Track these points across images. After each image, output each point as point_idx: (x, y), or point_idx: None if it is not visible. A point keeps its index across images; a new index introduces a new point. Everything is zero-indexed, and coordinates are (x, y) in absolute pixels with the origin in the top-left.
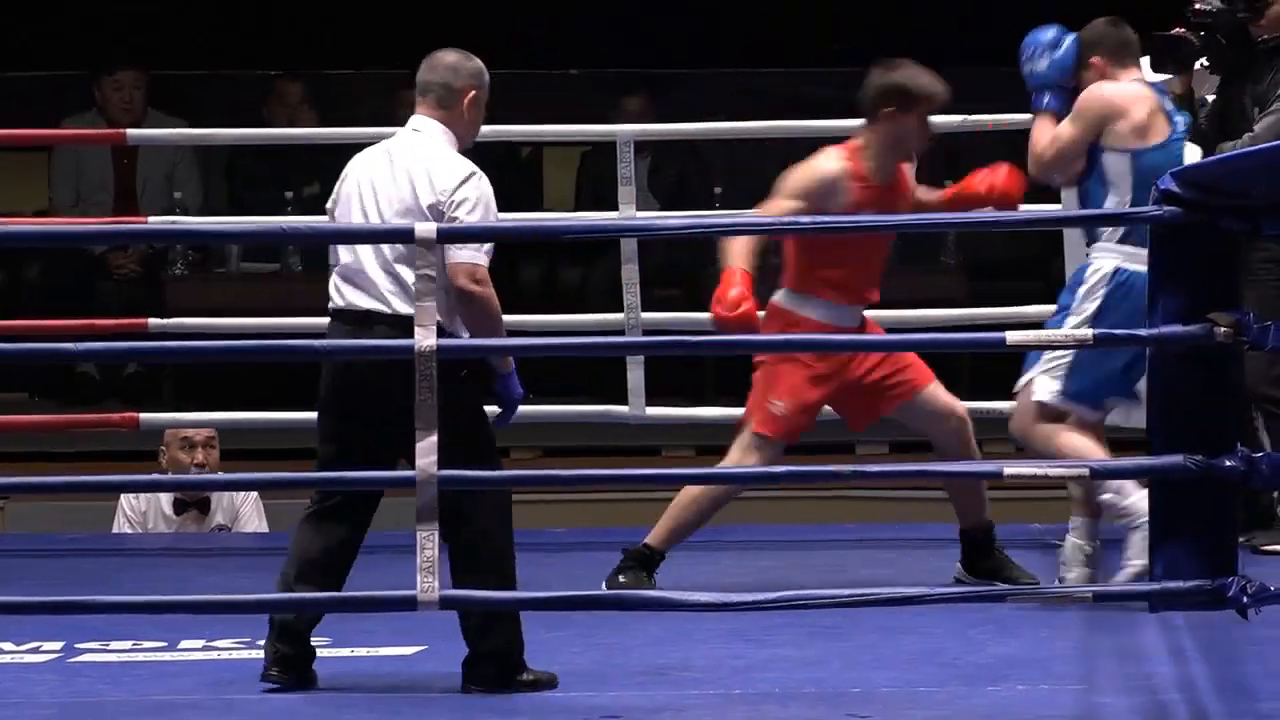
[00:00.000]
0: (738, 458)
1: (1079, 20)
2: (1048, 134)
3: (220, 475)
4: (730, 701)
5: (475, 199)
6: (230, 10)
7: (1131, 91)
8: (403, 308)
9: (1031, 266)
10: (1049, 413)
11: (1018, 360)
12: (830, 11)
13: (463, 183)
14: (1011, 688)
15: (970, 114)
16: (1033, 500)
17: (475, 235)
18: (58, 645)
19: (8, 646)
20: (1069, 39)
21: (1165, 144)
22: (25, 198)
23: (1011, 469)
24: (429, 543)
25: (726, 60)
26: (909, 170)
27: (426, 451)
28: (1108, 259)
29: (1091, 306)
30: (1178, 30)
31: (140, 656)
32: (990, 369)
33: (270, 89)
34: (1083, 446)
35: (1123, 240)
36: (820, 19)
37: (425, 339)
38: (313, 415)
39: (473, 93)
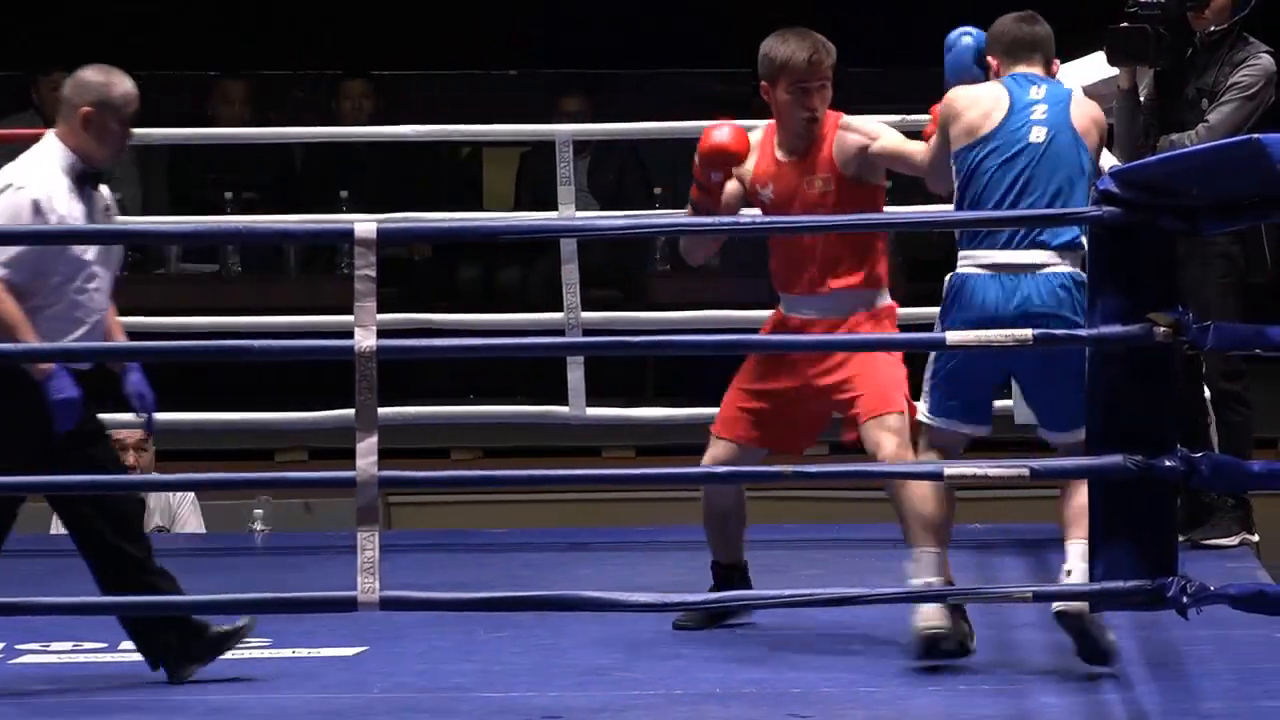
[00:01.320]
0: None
1: (990, 18)
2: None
3: (154, 476)
4: (671, 701)
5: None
6: (170, 10)
7: (975, 92)
8: None
9: None
10: (928, 432)
11: None
12: (768, 12)
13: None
14: (953, 688)
15: (910, 114)
16: (974, 501)
17: (418, 235)
18: None
19: None
20: (963, 41)
21: (984, 138)
22: None
23: (952, 470)
24: (369, 543)
25: (665, 61)
26: (845, 145)
27: (366, 452)
28: (959, 266)
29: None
30: (1127, 24)
31: (81, 657)
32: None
33: (212, 89)
34: (920, 497)
35: (961, 244)
36: (758, 19)
37: (365, 339)
38: (249, 415)
39: (86, 110)
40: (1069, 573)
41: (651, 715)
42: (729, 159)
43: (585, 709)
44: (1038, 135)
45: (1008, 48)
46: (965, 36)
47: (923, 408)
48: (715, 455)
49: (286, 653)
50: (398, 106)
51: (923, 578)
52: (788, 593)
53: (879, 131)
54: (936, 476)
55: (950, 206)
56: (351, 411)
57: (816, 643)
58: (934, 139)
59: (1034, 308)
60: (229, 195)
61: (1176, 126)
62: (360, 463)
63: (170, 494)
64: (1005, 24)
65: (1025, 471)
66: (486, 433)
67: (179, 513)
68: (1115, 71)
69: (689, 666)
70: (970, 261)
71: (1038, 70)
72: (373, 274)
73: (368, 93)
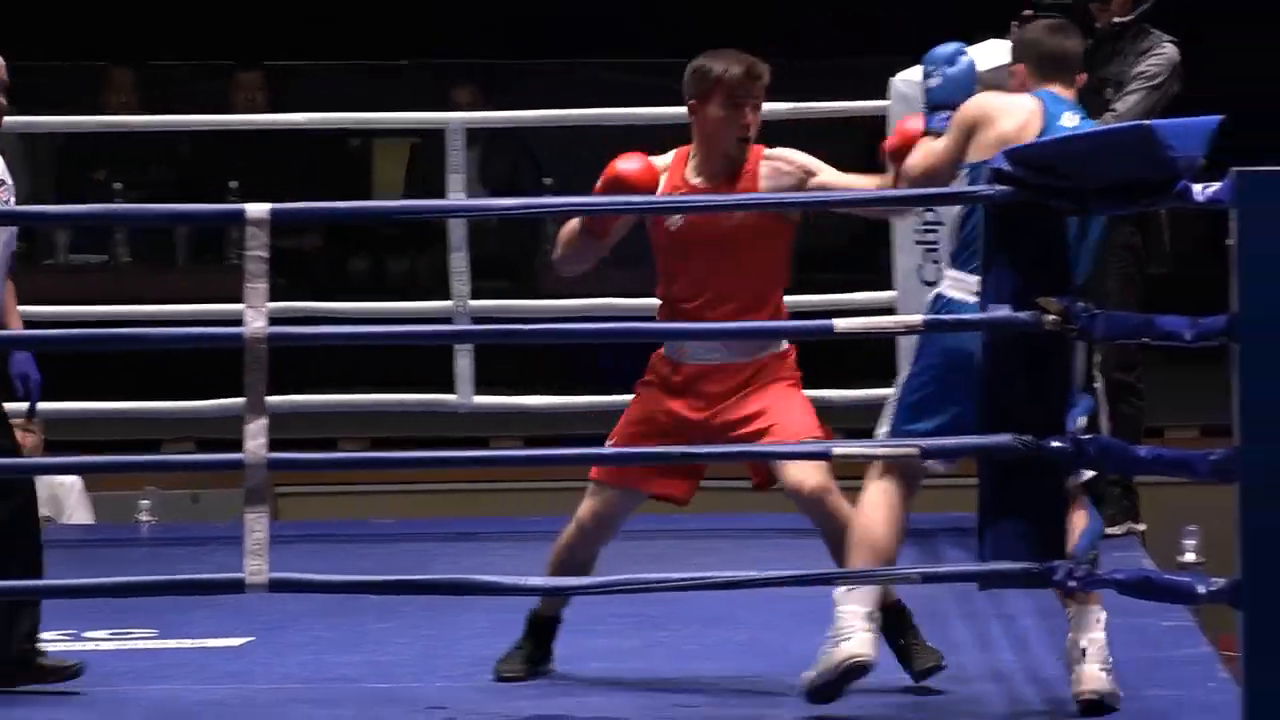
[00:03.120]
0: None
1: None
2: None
3: (39, 460)
4: (556, 691)
5: None
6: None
7: (1011, 102)
8: None
9: (859, 255)
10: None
11: (855, 348)
12: (656, 2)
13: None
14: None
15: (801, 102)
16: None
17: (311, 216)
18: None
19: None
20: (967, 55)
21: None
22: None
23: (841, 449)
24: (258, 525)
25: (557, 51)
26: (779, 176)
27: (256, 434)
28: (941, 287)
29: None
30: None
31: None
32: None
33: (100, 79)
34: (868, 524)
35: (952, 264)
36: (648, 8)
37: (255, 321)
38: (136, 405)
39: None
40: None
41: (537, 705)
42: (630, 191)
43: (472, 699)
44: None
45: (1039, 61)
46: (963, 52)
47: (883, 433)
48: (595, 507)
49: (172, 644)
50: (290, 97)
51: (854, 606)
52: (675, 576)
53: (817, 166)
54: (824, 456)
55: None
56: (240, 401)
57: (700, 633)
58: (941, 144)
59: None
60: (119, 186)
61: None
62: (249, 444)
63: (58, 485)
64: (1037, 33)
65: (915, 450)
66: (375, 422)
67: (66, 503)
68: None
69: (575, 656)
70: (953, 283)
71: (1069, 93)
72: (265, 255)
73: (260, 84)
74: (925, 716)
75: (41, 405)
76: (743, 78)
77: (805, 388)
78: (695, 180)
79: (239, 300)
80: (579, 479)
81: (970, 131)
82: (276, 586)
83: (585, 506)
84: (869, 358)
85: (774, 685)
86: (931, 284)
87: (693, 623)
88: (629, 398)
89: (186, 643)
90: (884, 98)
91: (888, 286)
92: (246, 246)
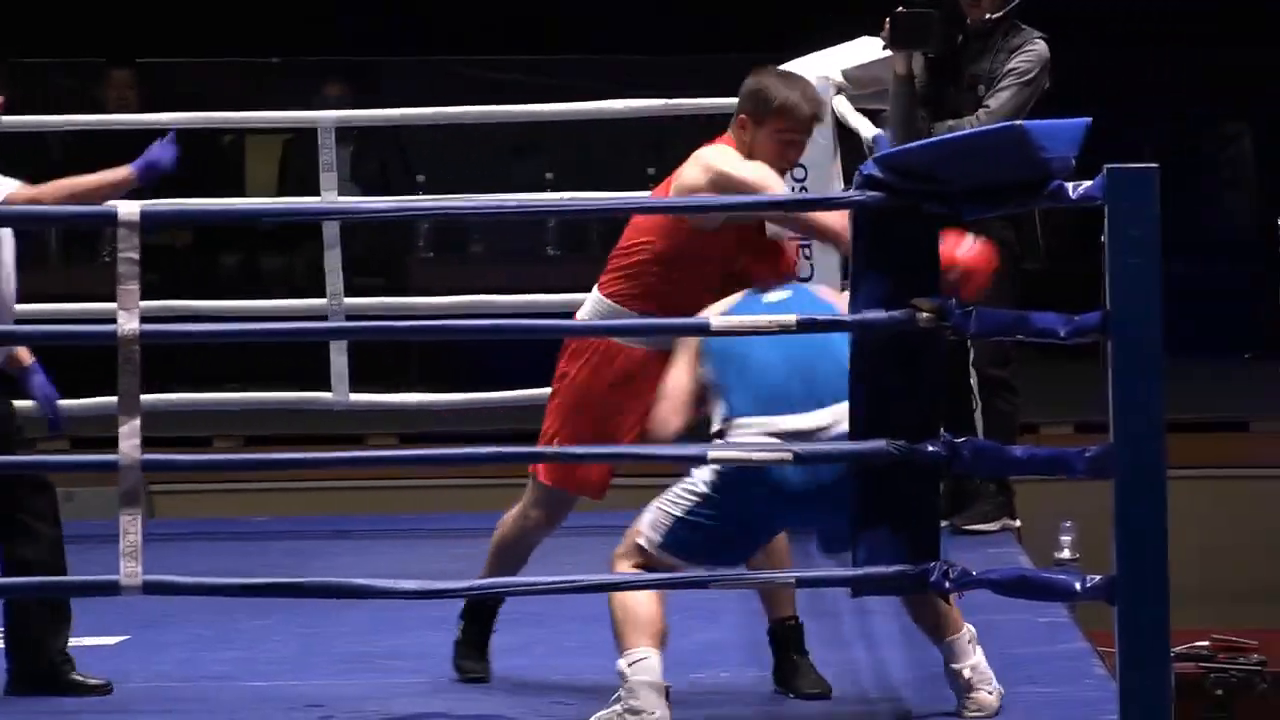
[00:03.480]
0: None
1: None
2: None
3: None
4: (437, 689)
5: None
6: None
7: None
8: None
9: None
10: (638, 556)
11: None
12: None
13: None
14: (715, 674)
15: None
16: None
17: (183, 218)
18: None
19: None
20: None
21: None
22: None
23: (716, 454)
24: (132, 527)
25: (429, 48)
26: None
27: (129, 435)
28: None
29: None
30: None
31: None
32: None
33: None
34: (633, 606)
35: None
36: (522, 5)
37: (128, 322)
38: (16, 403)
39: None
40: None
41: (417, 704)
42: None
43: (350, 697)
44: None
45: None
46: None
47: (652, 535)
48: (552, 512)
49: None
50: (161, 95)
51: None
52: (548, 580)
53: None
54: (700, 460)
55: None
56: (113, 399)
57: (579, 630)
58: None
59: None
60: None
61: (951, 113)
62: (123, 445)
63: None
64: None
65: (789, 455)
66: (249, 420)
67: None
68: (883, 55)
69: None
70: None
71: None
72: (136, 257)
73: (131, 81)
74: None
75: None
76: (806, 118)
77: None
78: None
79: (111, 298)
80: (453, 477)
81: None
82: (151, 589)
83: (537, 508)
84: None
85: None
86: (804, 281)
87: (573, 619)
88: (514, 394)
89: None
90: None
91: None
92: (118, 249)
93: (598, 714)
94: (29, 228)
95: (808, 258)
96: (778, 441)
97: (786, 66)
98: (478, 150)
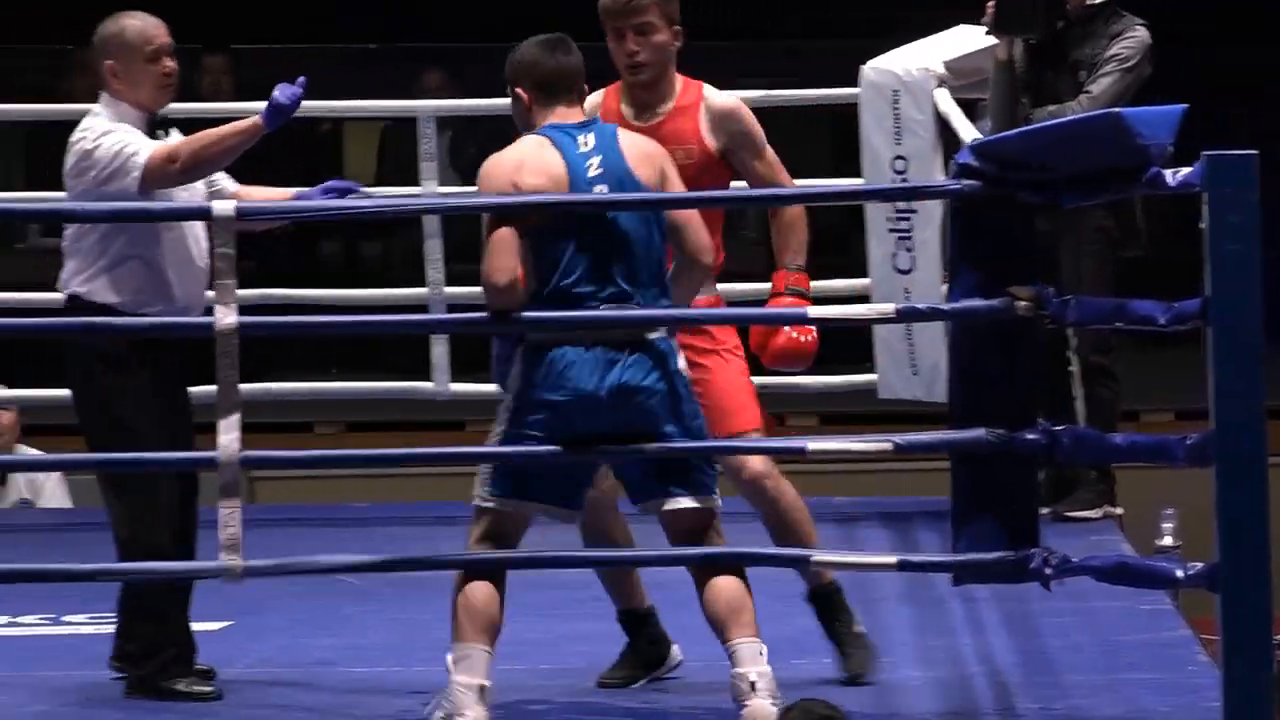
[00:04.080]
0: None
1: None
2: None
3: (19, 456)
4: (538, 676)
5: (94, 136)
6: None
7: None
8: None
9: (833, 242)
10: (483, 521)
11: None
12: None
13: (82, 136)
14: (817, 659)
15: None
16: (832, 474)
17: (275, 213)
18: None
19: None
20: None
21: None
22: None
23: (816, 444)
24: (232, 520)
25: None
26: (727, 126)
27: (228, 430)
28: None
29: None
30: None
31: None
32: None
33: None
34: (469, 596)
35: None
36: None
37: (226, 316)
38: None
39: (109, 62)
40: (753, 684)
41: (519, 692)
42: None
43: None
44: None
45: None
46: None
47: (481, 491)
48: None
49: None
50: (256, 81)
51: (467, 678)
52: (654, 554)
53: (761, 141)
54: (799, 451)
55: None
56: (213, 389)
57: (673, 616)
58: None
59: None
60: None
61: (1052, 99)
62: (221, 439)
63: None
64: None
65: (889, 446)
66: (350, 407)
67: (44, 486)
68: (984, 44)
69: (555, 640)
70: None
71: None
72: (231, 252)
73: (226, 68)
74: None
75: (23, 393)
76: (612, 6)
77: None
78: (625, 110)
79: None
80: None
81: None
82: (252, 574)
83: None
84: (840, 345)
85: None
86: (905, 272)
87: (670, 605)
88: None
89: None
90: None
91: (861, 274)
92: (214, 244)
93: (426, 710)
94: (137, 220)
95: (909, 250)
96: None
97: (885, 57)
98: None
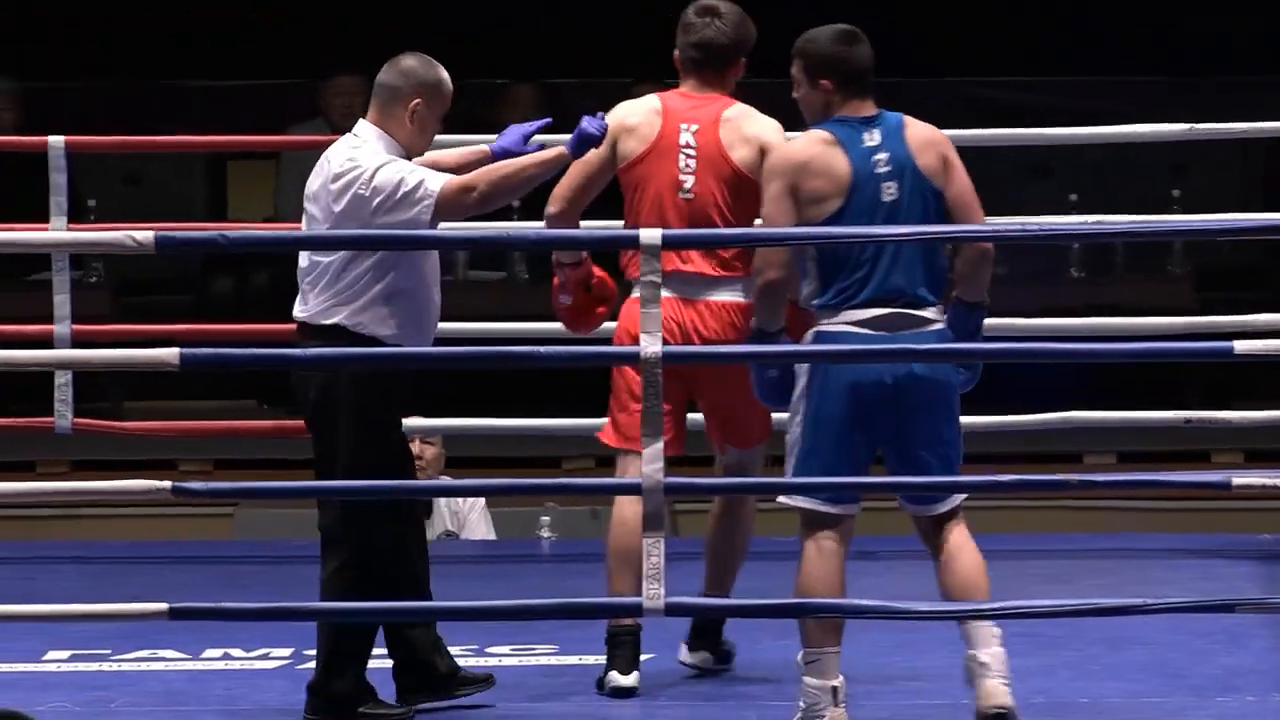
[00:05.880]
0: None
1: None
2: None
3: (445, 481)
4: (958, 711)
5: (374, 163)
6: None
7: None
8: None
9: (1258, 275)
10: (806, 518)
11: (1248, 369)
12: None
13: (354, 165)
14: (1241, 698)
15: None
16: (1260, 511)
17: (700, 241)
18: (287, 651)
19: (237, 653)
20: None
21: None
22: (253, 205)
23: (1241, 479)
24: (655, 550)
25: (943, 70)
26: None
27: (652, 459)
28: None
29: (803, 379)
30: None
31: (373, 664)
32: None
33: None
34: (816, 575)
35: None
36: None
37: (651, 345)
38: (537, 422)
39: (416, 101)
40: (984, 664)
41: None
42: None
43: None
44: None
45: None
46: None
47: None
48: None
49: (573, 660)
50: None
51: (819, 680)
52: (1070, 603)
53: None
54: (1224, 485)
55: None
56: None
57: (1101, 654)
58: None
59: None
60: None
61: None
62: (646, 469)
63: (459, 501)
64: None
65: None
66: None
67: (468, 519)
68: None
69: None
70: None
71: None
72: (658, 280)
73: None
74: None
75: (443, 422)
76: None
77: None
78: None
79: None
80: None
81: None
82: (673, 611)
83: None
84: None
85: (1176, 707)
86: None
87: (1094, 642)
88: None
89: (588, 659)
90: None
91: None
92: (641, 272)
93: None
94: (549, 250)
95: None
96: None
97: None
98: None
